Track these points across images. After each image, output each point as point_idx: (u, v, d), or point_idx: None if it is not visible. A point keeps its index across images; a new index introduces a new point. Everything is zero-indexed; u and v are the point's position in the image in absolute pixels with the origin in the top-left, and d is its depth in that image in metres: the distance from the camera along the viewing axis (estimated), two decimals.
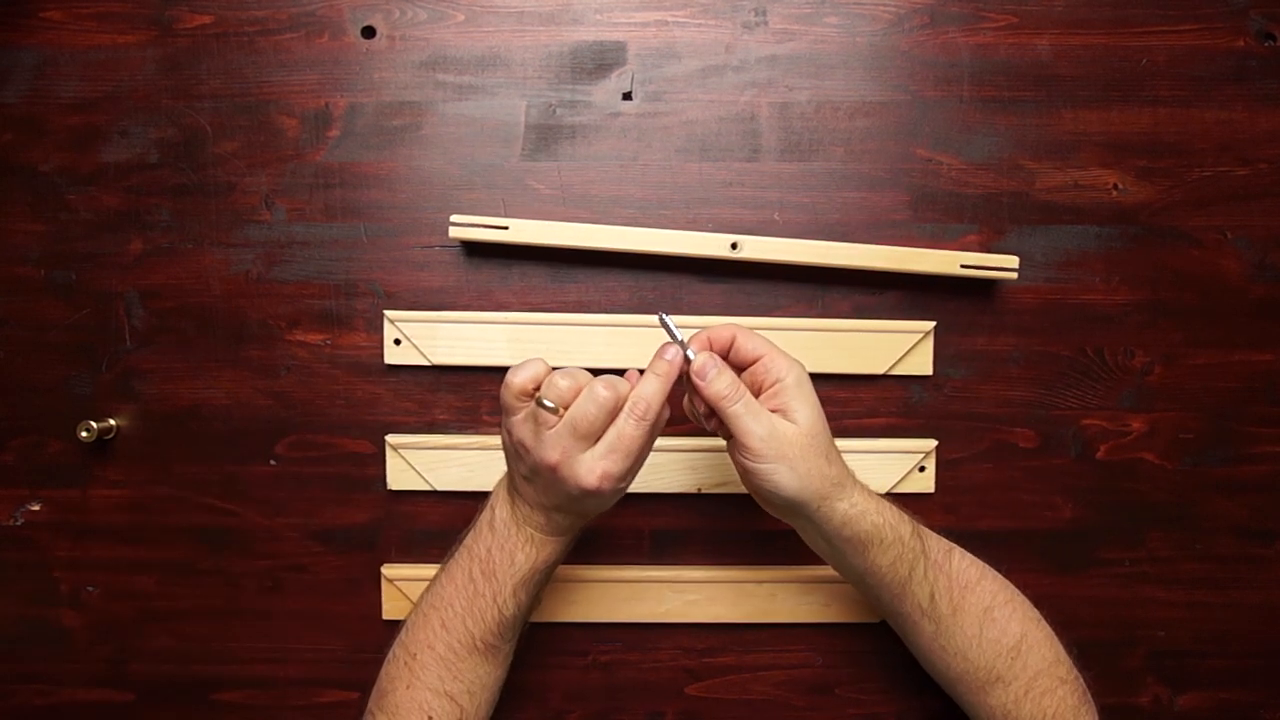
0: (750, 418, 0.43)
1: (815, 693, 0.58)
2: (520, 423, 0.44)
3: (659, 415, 0.44)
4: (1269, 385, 0.57)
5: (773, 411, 0.44)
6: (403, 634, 0.48)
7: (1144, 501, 0.57)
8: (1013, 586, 0.49)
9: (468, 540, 0.48)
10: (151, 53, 0.55)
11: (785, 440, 0.43)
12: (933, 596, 0.47)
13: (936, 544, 0.48)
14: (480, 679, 0.47)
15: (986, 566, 0.49)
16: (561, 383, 0.43)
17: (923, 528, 0.48)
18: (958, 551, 0.49)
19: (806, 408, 0.44)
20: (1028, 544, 0.57)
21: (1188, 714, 0.58)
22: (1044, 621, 0.49)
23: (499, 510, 0.47)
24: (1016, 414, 0.57)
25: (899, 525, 0.46)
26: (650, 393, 0.44)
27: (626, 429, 0.43)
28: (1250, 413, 0.57)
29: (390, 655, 0.48)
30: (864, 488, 0.46)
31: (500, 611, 0.46)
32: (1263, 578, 0.58)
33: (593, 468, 0.42)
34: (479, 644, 0.46)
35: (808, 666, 0.58)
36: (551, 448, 0.42)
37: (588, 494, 0.43)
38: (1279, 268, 0.56)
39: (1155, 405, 0.57)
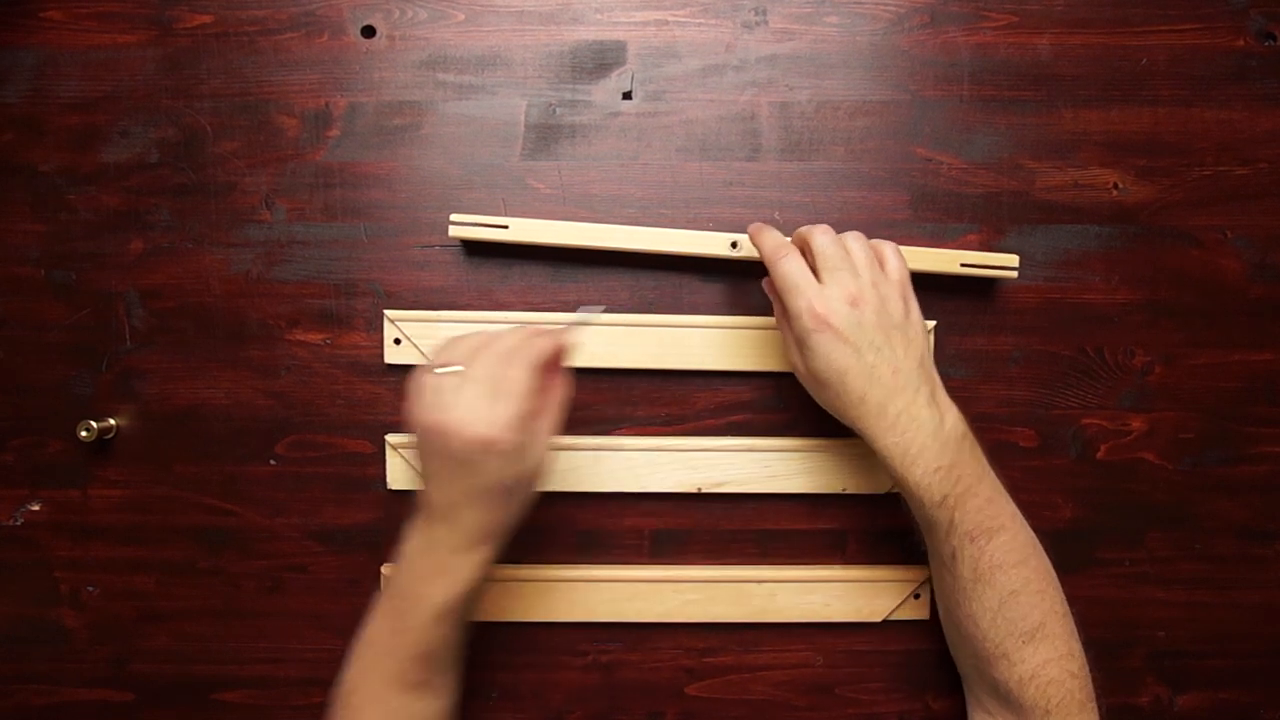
0: (799, 275, 0.46)
1: (815, 693, 0.58)
2: (418, 404, 0.44)
3: (540, 358, 0.44)
4: (1269, 385, 0.57)
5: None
6: (343, 670, 0.48)
7: (1144, 501, 0.57)
8: (1053, 578, 0.48)
9: (390, 575, 0.47)
10: (151, 53, 0.55)
11: (832, 309, 0.45)
12: (955, 556, 0.47)
13: (979, 517, 0.46)
14: (416, 714, 0.46)
15: (1035, 554, 0.48)
16: (448, 348, 0.44)
17: (981, 497, 0.46)
18: (1008, 534, 0.47)
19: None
20: None
21: (1188, 714, 0.58)
22: (1070, 617, 0.48)
23: (411, 543, 0.46)
24: (1016, 414, 0.57)
25: (932, 486, 0.46)
26: (533, 336, 0.45)
27: (509, 371, 0.43)
28: (1250, 413, 0.57)
29: (336, 691, 0.48)
30: (937, 415, 0.46)
31: (423, 646, 0.45)
32: (1263, 578, 0.58)
33: (480, 415, 0.42)
34: (408, 681, 0.46)
35: (808, 666, 0.58)
36: (440, 406, 0.42)
37: (481, 446, 0.42)
38: (1279, 268, 0.56)
39: (1155, 405, 0.57)
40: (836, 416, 0.49)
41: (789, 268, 0.47)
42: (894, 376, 0.46)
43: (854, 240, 0.48)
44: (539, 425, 0.44)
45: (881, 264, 0.48)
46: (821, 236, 0.48)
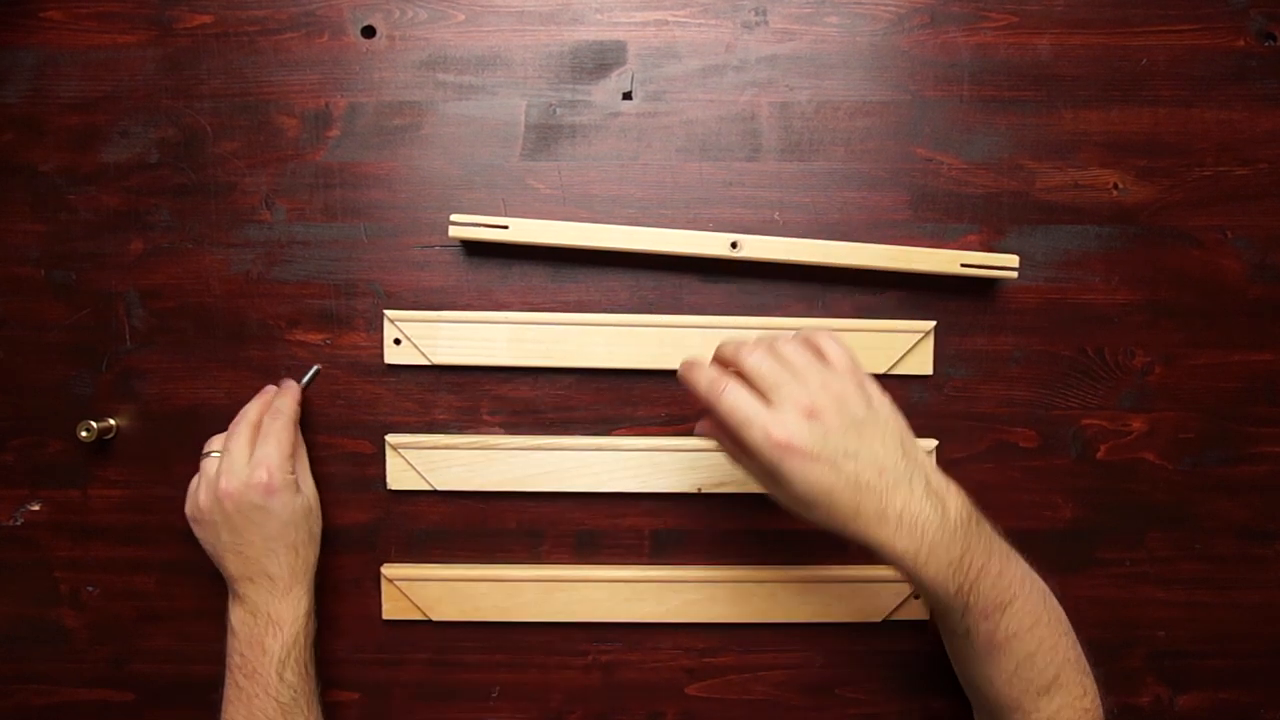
0: (745, 406, 0.41)
1: (815, 693, 0.58)
2: (198, 494, 0.50)
3: (290, 411, 0.52)
4: (1269, 385, 0.57)
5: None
6: None
7: (1144, 501, 0.57)
8: (1064, 624, 0.47)
9: (226, 659, 0.50)
10: (151, 53, 0.55)
11: (791, 431, 0.40)
12: (969, 632, 0.45)
13: (992, 593, 0.43)
14: None
15: (1046, 608, 0.46)
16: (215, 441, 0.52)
17: (992, 574, 0.43)
18: (1020, 600, 0.44)
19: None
20: (1028, 544, 0.57)
21: (1188, 714, 0.58)
22: (1082, 657, 0.47)
23: (232, 616, 0.50)
24: (1017, 414, 0.57)
25: (946, 581, 0.42)
26: (268, 396, 0.53)
27: (268, 426, 0.51)
28: (1250, 413, 0.57)
29: None
30: (927, 496, 0.42)
31: (277, 700, 0.48)
32: (1263, 578, 0.58)
33: (253, 463, 0.49)
34: None
35: (808, 666, 0.58)
36: (220, 475, 0.49)
37: (263, 490, 0.48)
38: (1279, 268, 0.56)
39: (1155, 405, 0.57)
40: (836, 533, 0.42)
41: (732, 401, 0.41)
42: (881, 477, 0.41)
43: (786, 345, 0.43)
44: (300, 462, 0.52)
45: (823, 357, 0.44)
46: (750, 356, 0.43)
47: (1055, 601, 0.47)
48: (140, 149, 0.55)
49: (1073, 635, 0.47)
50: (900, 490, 0.41)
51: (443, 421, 0.56)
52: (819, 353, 0.44)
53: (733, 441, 0.44)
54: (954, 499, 0.43)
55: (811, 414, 0.41)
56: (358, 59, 0.55)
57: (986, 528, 0.45)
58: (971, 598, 0.43)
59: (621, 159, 0.56)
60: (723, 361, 0.45)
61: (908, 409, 0.56)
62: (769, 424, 0.40)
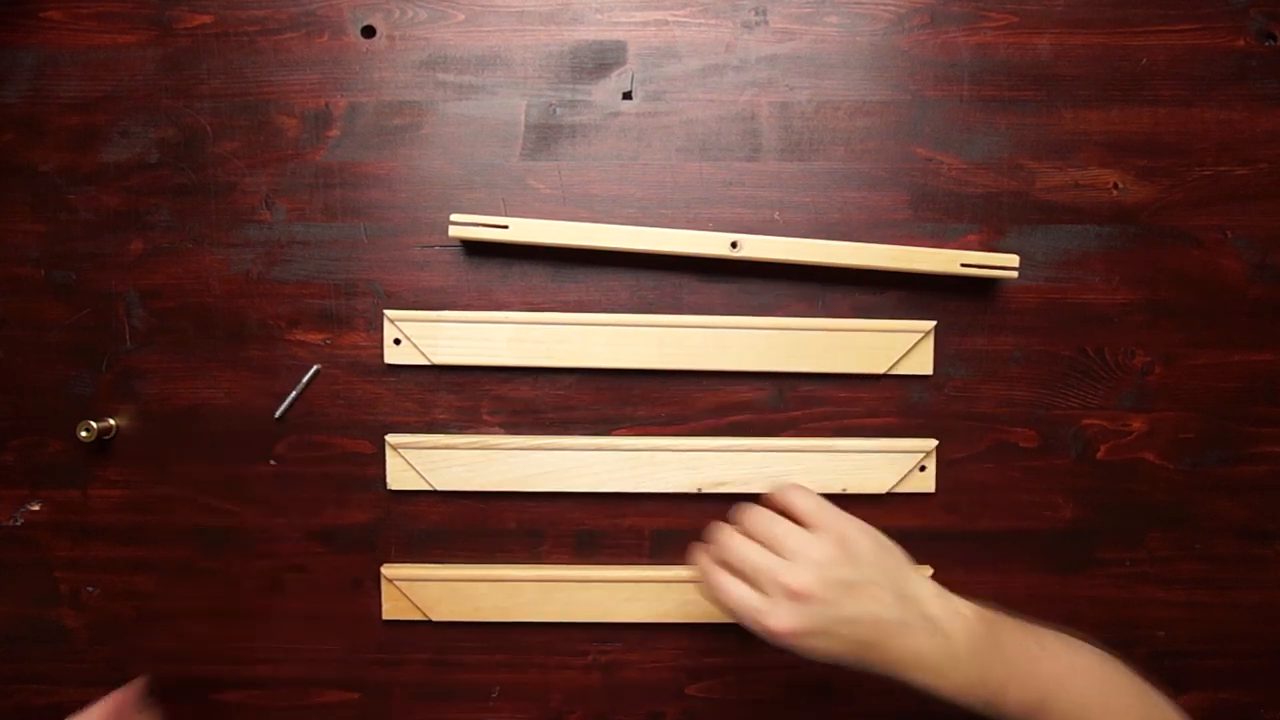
0: (741, 599, 0.42)
1: (815, 693, 0.58)
2: None
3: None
4: (1269, 385, 0.57)
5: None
6: None
7: (1144, 501, 0.57)
8: (1127, 693, 0.45)
9: None
10: (151, 53, 0.55)
11: (788, 622, 0.41)
12: None
13: (1022, 697, 0.43)
14: None
15: (1102, 685, 0.44)
16: None
17: (1018, 679, 0.43)
18: (1056, 692, 0.43)
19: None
20: (1028, 544, 0.57)
21: (1188, 714, 0.58)
22: (1170, 715, 0.46)
23: None
24: (1017, 414, 0.57)
25: (970, 701, 0.42)
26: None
27: None
28: (1250, 413, 0.57)
29: None
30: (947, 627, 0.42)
31: None
32: (1263, 578, 0.58)
33: None
34: None
35: (808, 666, 0.57)
36: None
37: None
38: (1279, 268, 0.56)
39: (1155, 405, 0.57)
40: None
41: (726, 598, 0.43)
42: (879, 628, 0.42)
43: (761, 521, 0.44)
44: None
45: (800, 520, 0.44)
46: (730, 546, 0.43)
47: (1116, 673, 0.46)
48: (140, 149, 0.55)
49: (1150, 697, 0.45)
50: (901, 635, 0.42)
51: (443, 421, 0.56)
52: (795, 515, 0.44)
53: None
54: (959, 625, 0.43)
55: (800, 597, 0.41)
56: (358, 59, 0.55)
57: (1005, 634, 0.44)
58: (1003, 708, 0.43)
59: (621, 159, 0.56)
60: (713, 544, 0.45)
61: (908, 409, 0.56)
62: (765, 618, 0.42)
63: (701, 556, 0.45)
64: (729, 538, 0.44)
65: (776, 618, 0.42)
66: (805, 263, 0.54)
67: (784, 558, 0.42)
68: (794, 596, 0.42)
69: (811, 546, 0.43)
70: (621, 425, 0.56)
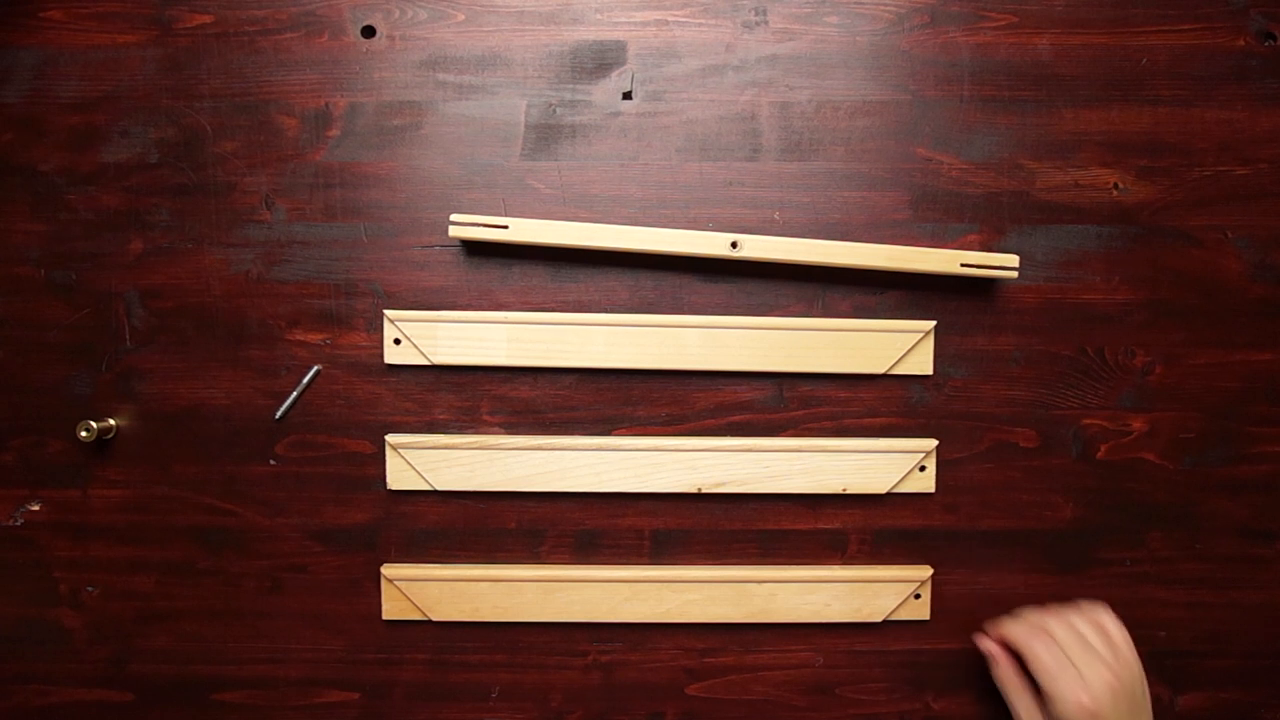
0: (1056, 662, 0.50)
1: (815, 693, 0.58)
2: None
3: None
4: (1269, 385, 0.57)
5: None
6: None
7: (1144, 501, 0.57)
8: None
9: None
10: (151, 53, 0.55)
11: (1101, 703, 0.48)
12: None
13: None
14: None
15: None
16: None
17: None
18: None
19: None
20: (1028, 544, 0.57)
21: (1188, 714, 0.58)
22: None
23: None
24: (1017, 414, 0.57)
25: None
26: None
27: None
28: (1250, 413, 0.57)
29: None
30: None
31: None
32: (1263, 578, 0.58)
33: None
34: None
35: (808, 666, 0.58)
36: None
37: None
38: (1279, 268, 0.56)
39: (1155, 405, 0.57)
40: None
41: (1046, 653, 0.50)
42: None
43: (1082, 624, 0.51)
44: None
45: (1108, 637, 0.51)
46: (1055, 626, 0.51)
47: None
48: (140, 149, 0.55)
49: None
50: None
51: (443, 421, 0.56)
52: (1104, 631, 0.52)
53: (1027, 688, 0.52)
54: None
55: (1114, 691, 0.48)
56: (358, 59, 0.55)
57: None
58: None
59: (621, 159, 0.56)
60: (1031, 628, 0.53)
61: (908, 409, 0.56)
62: (1079, 688, 0.48)
63: (1018, 622, 0.53)
64: (1052, 620, 0.52)
65: (1091, 692, 0.48)
66: (805, 263, 0.54)
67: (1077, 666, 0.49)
68: (1110, 688, 0.48)
69: (1122, 664, 0.50)
70: (621, 425, 0.56)
